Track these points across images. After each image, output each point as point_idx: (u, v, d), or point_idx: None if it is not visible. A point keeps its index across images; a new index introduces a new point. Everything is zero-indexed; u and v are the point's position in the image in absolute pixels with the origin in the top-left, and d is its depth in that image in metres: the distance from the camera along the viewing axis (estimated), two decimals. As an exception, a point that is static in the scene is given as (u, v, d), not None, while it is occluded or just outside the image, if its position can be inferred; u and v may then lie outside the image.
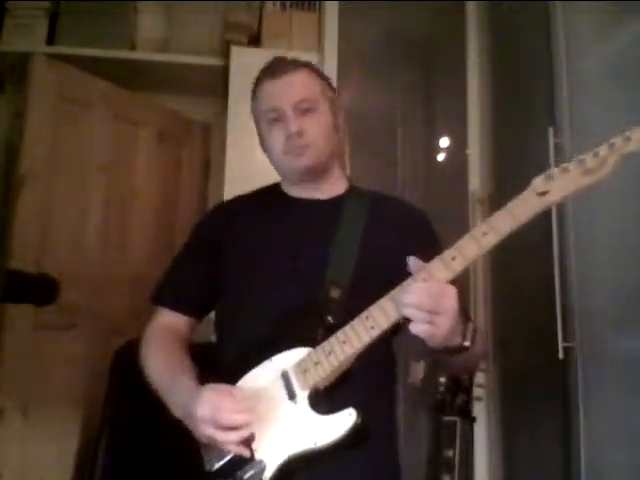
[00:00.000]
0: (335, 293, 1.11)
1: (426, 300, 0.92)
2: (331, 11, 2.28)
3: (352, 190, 1.31)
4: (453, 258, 0.96)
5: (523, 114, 2.07)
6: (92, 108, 2.19)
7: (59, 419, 1.93)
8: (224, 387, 1.03)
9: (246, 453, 0.99)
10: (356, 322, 1.00)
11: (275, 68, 1.25)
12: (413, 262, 0.97)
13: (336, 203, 1.26)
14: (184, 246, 1.35)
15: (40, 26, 2.32)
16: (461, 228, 2.31)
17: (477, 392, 1.99)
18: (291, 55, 1.32)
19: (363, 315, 1.00)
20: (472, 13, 2.40)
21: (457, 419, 1.29)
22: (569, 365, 1.61)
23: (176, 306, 1.28)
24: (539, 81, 1.88)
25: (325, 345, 1.02)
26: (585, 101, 1.68)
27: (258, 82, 1.27)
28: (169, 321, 1.28)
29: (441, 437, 1.32)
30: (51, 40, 2.34)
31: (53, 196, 2.02)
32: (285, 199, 1.30)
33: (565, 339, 1.58)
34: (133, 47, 2.41)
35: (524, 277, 1.97)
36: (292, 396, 1.02)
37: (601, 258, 1.59)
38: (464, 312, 1.01)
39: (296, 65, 1.26)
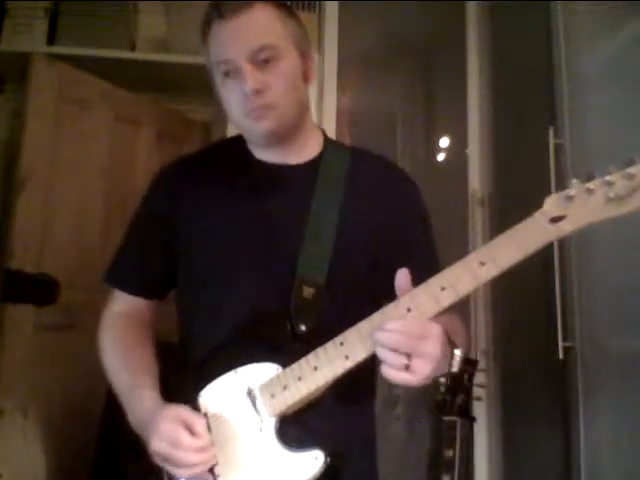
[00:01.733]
0: (308, 293, 0.96)
1: (402, 341, 0.79)
2: (331, 11, 2.28)
3: (328, 150, 1.10)
4: (442, 288, 0.81)
5: (523, 114, 2.07)
6: (92, 108, 2.19)
7: (59, 419, 1.93)
8: (184, 415, 0.89)
9: (208, 478, 0.90)
10: (330, 347, 0.87)
11: (223, 6, 0.99)
12: (401, 277, 0.83)
13: (310, 170, 1.06)
14: (136, 216, 1.16)
15: (40, 26, 2.32)
16: (461, 228, 2.31)
17: (477, 392, 1.99)
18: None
19: (338, 340, 0.86)
20: (472, 13, 2.39)
21: (457, 419, 1.29)
22: (569, 365, 1.61)
23: (132, 289, 1.12)
24: (539, 81, 1.88)
25: (295, 367, 0.89)
26: (585, 101, 1.68)
27: (205, 24, 1.03)
28: (127, 308, 1.13)
29: (441, 437, 1.32)
30: (51, 40, 2.33)
31: (53, 196, 2.02)
32: (250, 164, 1.08)
33: (565, 339, 1.58)
34: (133, 47, 2.41)
35: (524, 277, 1.97)
36: (258, 421, 0.91)
37: (601, 258, 1.59)
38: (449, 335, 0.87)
39: (250, 2, 0.98)
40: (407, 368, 0.79)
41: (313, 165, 1.08)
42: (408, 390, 2.30)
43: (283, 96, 0.99)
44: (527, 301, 1.94)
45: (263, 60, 0.97)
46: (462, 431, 1.31)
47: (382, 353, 0.80)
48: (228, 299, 1.02)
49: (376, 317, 0.84)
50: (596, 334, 1.56)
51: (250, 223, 1.03)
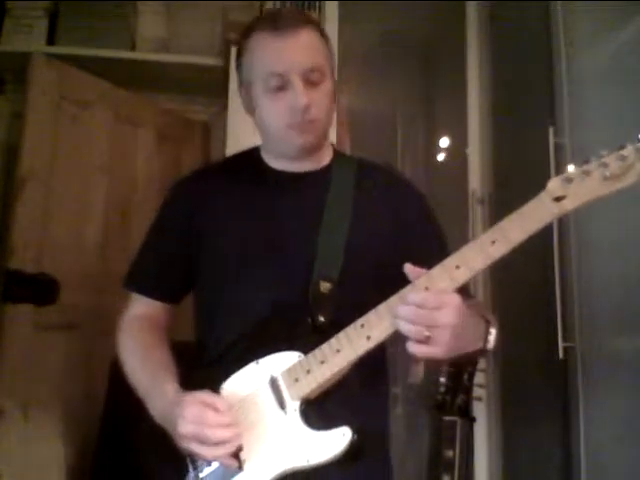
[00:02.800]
0: (325, 288, 1.02)
1: (422, 313, 0.84)
2: (331, 11, 2.28)
3: (338, 159, 1.18)
4: (457, 267, 0.87)
5: (523, 114, 2.07)
6: (92, 108, 2.19)
7: (59, 419, 1.93)
8: (206, 397, 0.93)
9: (234, 463, 0.93)
10: (351, 330, 0.92)
11: (281, 22, 1.04)
12: (410, 269, 0.89)
13: (322, 177, 1.13)
14: (155, 223, 1.20)
15: (40, 26, 2.32)
16: (461, 228, 2.31)
17: (477, 392, 1.99)
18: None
19: (359, 322, 0.91)
20: (472, 13, 2.39)
21: (457, 419, 1.29)
22: (569, 365, 1.61)
23: (151, 293, 1.17)
24: (539, 81, 1.88)
25: (317, 352, 0.94)
26: (585, 101, 1.68)
27: (254, 33, 1.06)
28: (145, 311, 1.17)
29: (441, 437, 1.32)
30: (51, 40, 2.34)
31: (53, 196, 2.02)
32: (266, 172, 1.15)
33: (565, 339, 1.58)
34: (133, 47, 2.41)
35: (524, 277, 1.97)
36: (282, 406, 0.95)
37: (601, 258, 1.59)
38: (479, 313, 0.95)
39: (304, 21, 1.06)
40: (429, 340, 0.84)
41: (325, 171, 1.15)
42: (408, 390, 2.30)
43: (324, 113, 1.08)
44: (527, 301, 1.94)
45: (313, 80, 1.04)
46: (462, 431, 1.30)
47: (403, 326, 0.85)
48: (248, 296, 1.06)
49: (394, 298, 0.89)
50: (596, 334, 1.57)
51: (267, 224, 1.09)
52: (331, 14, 2.28)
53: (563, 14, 1.76)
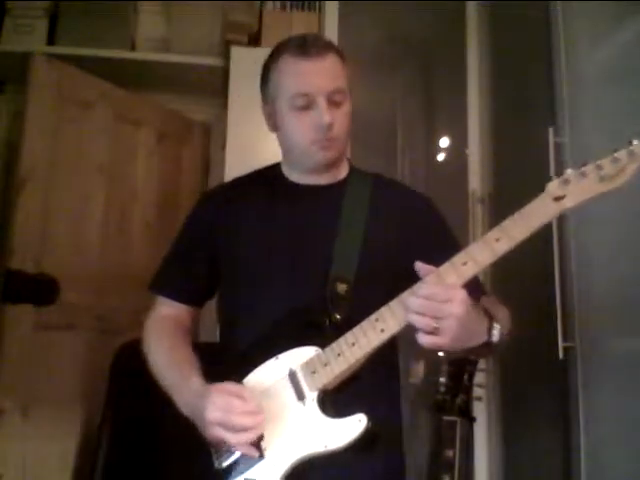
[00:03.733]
0: (341, 288, 1.09)
1: (430, 305, 0.91)
2: (331, 11, 2.28)
3: (353, 173, 1.28)
4: (464, 263, 0.94)
5: (523, 114, 2.07)
6: (92, 108, 2.19)
7: (59, 419, 1.93)
8: (232, 387, 1.00)
9: (255, 453, 0.98)
10: (366, 324, 0.99)
11: (309, 47, 1.14)
12: (420, 266, 0.95)
13: (338, 189, 1.22)
14: (182, 232, 1.30)
15: (40, 26, 2.32)
16: (461, 228, 2.31)
17: (477, 392, 1.98)
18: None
19: (373, 317, 0.98)
20: (472, 13, 2.40)
21: (457, 419, 1.29)
22: (569, 365, 1.61)
23: (176, 296, 1.25)
24: (539, 81, 1.88)
25: (334, 346, 1.00)
26: (585, 101, 1.68)
27: (283, 56, 1.16)
28: (170, 312, 1.24)
29: (441, 437, 1.32)
30: (51, 40, 2.34)
31: (53, 196, 2.02)
32: (286, 185, 1.24)
33: (565, 339, 1.58)
34: (133, 47, 2.41)
35: (524, 277, 1.97)
36: (301, 397, 1.01)
37: (601, 258, 1.59)
38: (486, 300, 1.02)
39: (329, 47, 1.17)
40: (437, 330, 0.90)
41: (342, 184, 1.24)
42: (408, 390, 2.30)
43: (344, 132, 1.17)
44: (527, 301, 1.94)
45: (336, 100, 1.14)
46: (462, 431, 1.31)
47: (412, 317, 0.92)
48: (268, 299, 1.14)
49: (406, 294, 0.96)
50: (596, 334, 1.56)
51: (287, 232, 1.17)
52: (331, 14, 2.28)
53: (563, 14, 1.76)
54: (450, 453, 1.32)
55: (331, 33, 2.24)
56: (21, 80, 2.04)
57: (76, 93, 2.14)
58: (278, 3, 2.36)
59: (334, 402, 1.00)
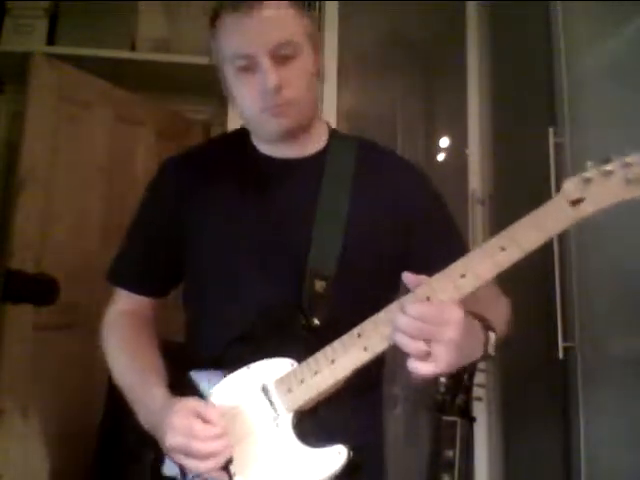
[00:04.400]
0: (320, 287, 0.95)
1: (422, 327, 0.77)
2: (331, 11, 2.28)
3: (334, 141, 1.09)
4: (462, 276, 0.79)
5: (523, 114, 2.07)
6: (92, 108, 2.19)
7: (59, 419, 1.93)
8: (196, 406, 0.88)
9: (223, 478, 0.87)
10: (347, 339, 0.85)
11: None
12: (409, 278, 0.82)
13: (315, 163, 1.05)
14: (137, 214, 1.14)
15: (40, 26, 2.32)
16: (461, 228, 2.31)
17: (477, 392, 1.98)
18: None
19: (355, 331, 0.84)
20: (472, 13, 2.39)
21: (457, 419, 1.29)
22: (569, 365, 1.61)
23: (135, 288, 1.11)
24: (539, 81, 1.88)
25: (311, 362, 0.87)
26: (585, 101, 1.68)
27: (218, 16, 0.99)
28: (129, 305, 1.11)
29: (441, 437, 1.32)
30: (51, 40, 2.34)
31: (53, 196, 2.02)
32: (256, 159, 1.07)
33: (565, 339, 1.57)
34: (133, 47, 2.41)
35: (524, 277, 1.96)
36: (274, 417, 0.89)
37: (601, 257, 1.58)
38: (481, 319, 0.89)
39: None
40: (428, 355, 0.77)
41: (319, 158, 1.07)
42: (408, 390, 2.30)
43: (302, 93, 0.98)
44: (527, 301, 1.94)
45: (283, 56, 0.95)
46: (462, 431, 1.31)
47: (400, 339, 0.78)
48: (238, 295, 1.00)
49: (394, 307, 0.82)
50: (596, 334, 1.56)
51: (258, 218, 1.02)
52: (331, 14, 2.28)
53: (563, 14, 1.76)
54: (450, 453, 1.32)
55: (331, 33, 2.24)
56: (21, 80, 2.04)
57: (76, 93, 2.14)
58: (278, 3, 2.35)
59: (311, 424, 0.89)
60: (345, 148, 1.08)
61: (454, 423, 1.30)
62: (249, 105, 0.99)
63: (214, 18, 1.00)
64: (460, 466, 1.31)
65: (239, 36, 0.95)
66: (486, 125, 2.31)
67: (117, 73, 2.28)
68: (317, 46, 1.04)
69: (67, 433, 1.94)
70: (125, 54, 2.35)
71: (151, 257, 1.10)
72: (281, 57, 0.95)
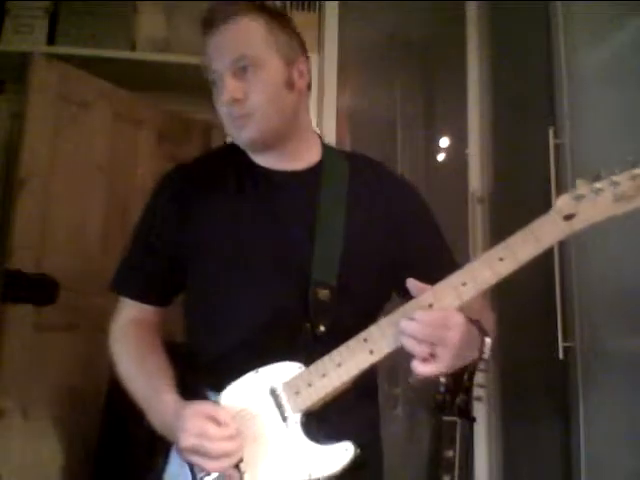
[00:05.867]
0: (323, 295, 0.99)
1: (427, 331, 0.84)
2: (331, 11, 2.28)
3: (327, 155, 1.13)
4: (464, 284, 0.86)
5: (523, 114, 2.07)
6: (92, 108, 2.19)
7: (59, 419, 1.93)
8: (208, 409, 0.91)
9: (234, 476, 0.91)
10: (353, 343, 0.90)
11: (212, 19, 1.04)
12: (413, 284, 0.88)
13: (312, 177, 1.09)
14: (139, 225, 1.15)
15: (40, 26, 2.32)
16: (461, 228, 2.31)
17: (477, 392, 1.98)
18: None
19: (361, 336, 0.90)
20: (472, 13, 2.40)
21: (457, 419, 1.29)
22: (569, 365, 1.61)
23: (140, 297, 1.13)
24: (539, 81, 1.88)
25: (319, 365, 0.92)
26: (585, 101, 1.68)
27: (202, 34, 1.08)
28: (136, 314, 1.13)
29: (441, 437, 1.32)
30: (51, 40, 2.33)
31: (53, 196, 2.02)
32: (254, 170, 1.10)
33: (565, 339, 1.58)
34: (133, 47, 2.41)
35: (524, 277, 1.96)
36: (283, 418, 0.93)
37: (601, 258, 1.59)
38: (477, 325, 0.93)
39: (235, 12, 1.03)
40: (432, 357, 0.84)
41: (314, 171, 1.10)
42: (408, 390, 2.30)
43: (262, 104, 1.02)
44: (527, 301, 1.94)
45: (241, 69, 1.01)
46: (462, 431, 1.30)
47: (407, 342, 0.85)
48: (243, 304, 1.03)
49: (398, 313, 0.88)
50: (596, 334, 1.56)
51: (260, 227, 1.05)
52: (331, 14, 2.28)
53: (563, 14, 1.76)
54: (450, 453, 1.32)
55: (331, 33, 2.24)
56: (21, 80, 2.04)
57: (76, 93, 2.14)
58: (278, 3, 2.35)
59: (319, 425, 0.93)
60: (338, 161, 1.12)
61: (454, 423, 1.30)
62: (221, 117, 1.06)
63: (202, 33, 1.09)
64: (460, 466, 1.31)
65: (209, 52, 1.05)
66: (486, 125, 2.31)
67: (117, 73, 2.28)
68: (293, 57, 1.07)
69: (67, 433, 1.94)
70: (125, 54, 2.34)
71: (153, 266, 1.12)
72: (240, 70, 1.01)
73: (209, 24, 1.04)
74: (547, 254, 1.62)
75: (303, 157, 1.11)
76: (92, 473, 1.74)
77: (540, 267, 1.73)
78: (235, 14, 1.03)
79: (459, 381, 1.28)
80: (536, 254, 0.84)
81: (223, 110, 1.04)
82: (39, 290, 1.90)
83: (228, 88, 1.00)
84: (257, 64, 1.01)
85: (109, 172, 2.22)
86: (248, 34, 1.03)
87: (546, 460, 1.80)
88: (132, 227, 1.18)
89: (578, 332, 1.59)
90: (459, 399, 1.30)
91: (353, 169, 1.11)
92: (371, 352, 0.89)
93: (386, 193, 1.10)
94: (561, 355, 1.57)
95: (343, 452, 0.91)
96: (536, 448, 1.85)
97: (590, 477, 1.53)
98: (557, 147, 1.64)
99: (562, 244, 1.63)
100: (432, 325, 0.84)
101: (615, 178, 0.80)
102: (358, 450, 0.91)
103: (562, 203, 0.83)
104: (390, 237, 1.07)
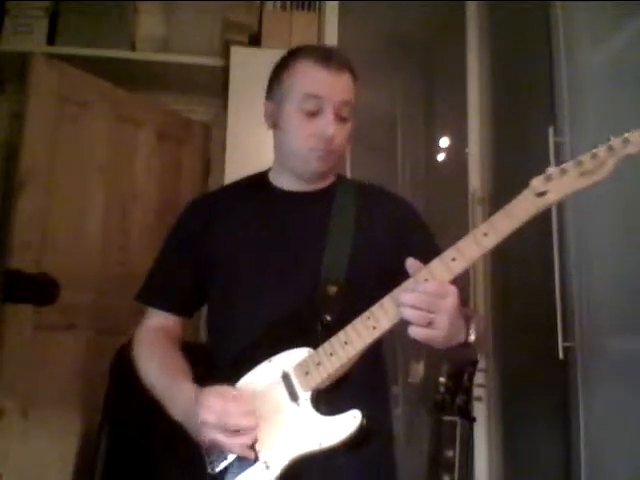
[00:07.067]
0: (331, 290, 1.10)
1: (425, 300, 0.92)
2: (331, 11, 2.28)
3: (339, 181, 1.30)
4: (453, 259, 0.95)
5: (523, 114, 2.07)
6: (92, 108, 2.19)
7: (59, 419, 1.93)
8: (227, 389, 1.01)
9: (250, 455, 0.99)
10: (357, 322, 0.99)
11: (332, 59, 1.16)
12: (411, 263, 0.96)
13: (325, 196, 1.24)
14: (168, 242, 1.29)
15: (40, 26, 2.32)
16: (461, 228, 2.31)
17: (477, 392, 1.99)
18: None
19: (364, 315, 0.99)
20: (472, 13, 2.40)
21: (457, 419, 1.29)
22: (569, 365, 1.61)
23: (166, 306, 1.25)
24: (539, 81, 1.88)
25: (326, 346, 1.00)
26: (585, 101, 1.68)
27: (305, 59, 1.17)
28: (160, 322, 1.25)
29: (441, 437, 1.32)
30: (51, 40, 2.34)
31: (53, 196, 2.02)
32: (273, 192, 1.26)
33: (565, 339, 1.58)
34: (133, 47, 2.41)
35: (524, 277, 1.97)
36: (294, 398, 1.01)
37: (601, 258, 1.59)
38: (466, 307, 1.03)
39: (348, 66, 1.20)
40: (430, 324, 0.92)
41: (329, 190, 1.25)
42: (408, 390, 2.30)
43: (343, 147, 1.21)
44: (527, 301, 1.94)
45: (342, 116, 1.16)
46: (462, 431, 1.30)
47: (407, 312, 0.93)
48: (261, 304, 1.14)
49: (397, 291, 0.97)
50: (596, 334, 1.57)
51: (277, 238, 1.18)
52: (331, 14, 2.28)
53: (563, 14, 1.76)
54: (450, 453, 1.32)
55: (331, 33, 2.24)
56: (21, 80, 2.04)
57: (76, 93, 2.14)
58: (278, 3, 2.35)
59: (327, 401, 1.01)
60: (349, 186, 1.28)
61: (454, 423, 1.30)
62: (300, 142, 1.17)
63: (296, 53, 1.19)
64: (460, 466, 1.31)
65: (319, 82, 1.15)
66: (486, 125, 2.31)
67: (117, 73, 2.28)
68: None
69: (67, 433, 1.94)
70: (125, 54, 2.35)
71: (179, 279, 1.24)
72: (340, 115, 1.16)
73: (328, 59, 1.15)
74: (547, 254, 1.63)
75: (319, 183, 1.25)
76: (92, 473, 1.74)
77: (540, 267, 1.74)
78: (349, 65, 1.19)
79: (459, 381, 1.28)
80: (516, 227, 0.94)
81: (308, 135, 1.15)
82: (39, 290, 1.90)
83: (333, 125, 1.14)
84: (350, 115, 1.19)
85: (109, 172, 2.21)
86: (352, 88, 1.19)
87: (546, 460, 1.80)
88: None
89: (578, 332, 1.59)
90: (459, 399, 1.30)
91: (360, 192, 1.26)
92: (374, 328, 0.97)
93: (390, 207, 1.26)
94: (561, 355, 1.57)
95: (351, 419, 0.97)
96: (536, 448, 1.85)
97: (590, 477, 1.53)
98: (557, 146, 1.64)
99: (562, 244, 1.64)
100: (430, 294, 0.92)
101: (580, 158, 0.93)
102: (365, 417, 0.97)
103: (535, 183, 0.96)
104: (390, 243, 1.20)
